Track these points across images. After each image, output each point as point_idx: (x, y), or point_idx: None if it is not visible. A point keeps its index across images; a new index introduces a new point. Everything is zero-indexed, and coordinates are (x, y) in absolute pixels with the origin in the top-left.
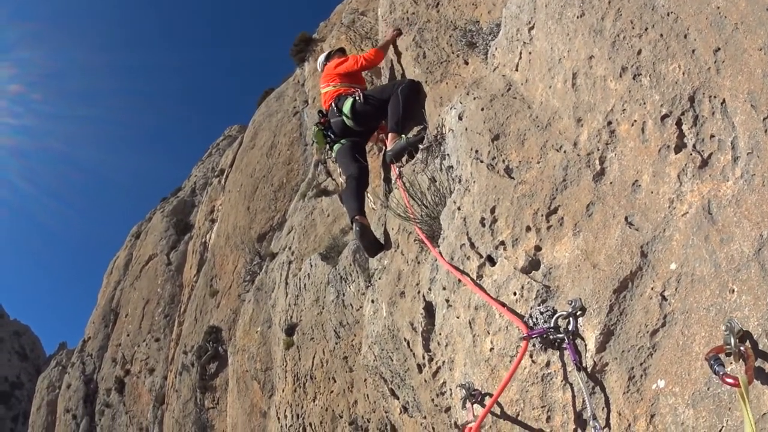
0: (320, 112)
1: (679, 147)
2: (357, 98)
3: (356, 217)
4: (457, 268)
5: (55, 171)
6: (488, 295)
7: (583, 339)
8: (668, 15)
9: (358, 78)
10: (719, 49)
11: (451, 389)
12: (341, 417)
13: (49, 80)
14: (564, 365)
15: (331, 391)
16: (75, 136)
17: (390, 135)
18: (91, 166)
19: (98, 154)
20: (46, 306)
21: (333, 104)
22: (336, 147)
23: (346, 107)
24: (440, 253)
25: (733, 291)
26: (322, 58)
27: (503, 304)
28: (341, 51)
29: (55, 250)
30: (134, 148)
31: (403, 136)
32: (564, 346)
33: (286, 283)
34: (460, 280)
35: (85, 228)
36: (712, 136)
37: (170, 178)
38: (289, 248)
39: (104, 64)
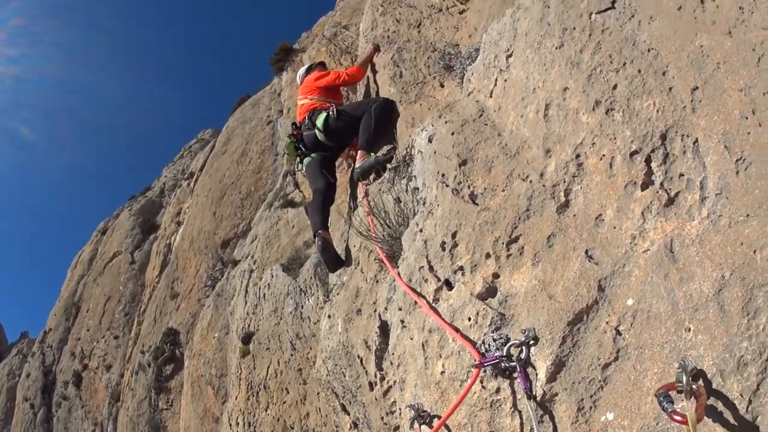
0: (294, 124)
1: (646, 184)
2: (331, 113)
3: (319, 232)
4: (414, 290)
5: (48, 95)
6: (443, 319)
7: (534, 368)
8: (649, 51)
9: (337, 93)
10: (697, 88)
11: (400, 409)
12: (292, 428)
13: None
14: (514, 392)
15: (284, 402)
16: (69, 61)
17: (359, 152)
18: (82, 87)
19: (91, 76)
20: (10, 294)
21: (307, 117)
22: (306, 160)
23: (320, 121)
24: (399, 274)
25: (690, 330)
26: (302, 70)
27: (457, 330)
28: (322, 65)
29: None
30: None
31: (372, 154)
32: (515, 375)
33: (246, 292)
34: (416, 302)
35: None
36: (681, 174)
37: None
38: (252, 257)
39: None
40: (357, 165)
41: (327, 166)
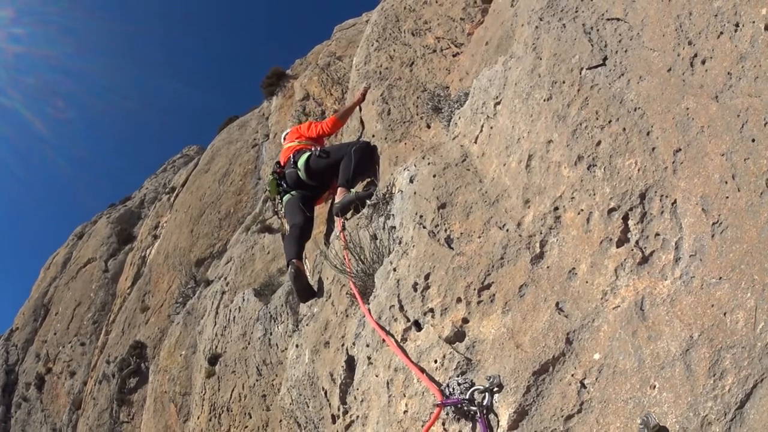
0: (278, 163)
1: (622, 241)
2: (313, 152)
3: (293, 261)
4: (383, 329)
5: (48, 78)
6: (409, 359)
7: (496, 415)
8: (635, 110)
9: (320, 142)
10: (680, 150)
11: None
12: None
13: None
14: None
15: (246, 426)
16: (72, 45)
17: (339, 189)
18: (82, 73)
19: (92, 63)
20: None
21: (291, 157)
22: (286, 197)
23: (301, 161)
24: (369, 311)
25: (654, 387)
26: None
27: (423, 370)
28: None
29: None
30: (126, 58)
31: (352, 190)
32: (477, 418)
33: (216, 313)
34: (384, 340)
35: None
36: (657, 234)
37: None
38: (225, 278)
39: None
40: (337, 200)
41: (306, 203)
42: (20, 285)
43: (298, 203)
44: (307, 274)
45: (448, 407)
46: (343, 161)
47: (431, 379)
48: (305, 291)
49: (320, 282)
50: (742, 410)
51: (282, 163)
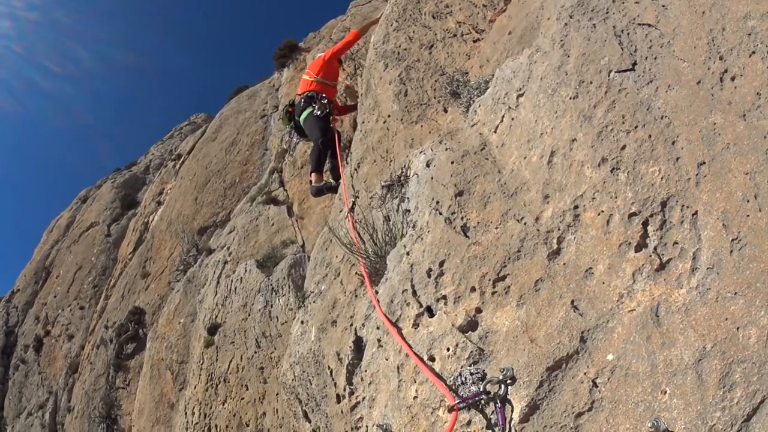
0: (292, 103)
1: (640, 246)
2: (314, 110)
3: (312, 174)
4: (390, 321)
5: (62, 45)
6: (417, 356)
7: (511, 405)
8: (662, 118)
9: (333, 73)
10: (704, 163)
11: (367, 426)
12: (248, 426)
13: None
14: (490, 427)
15: (242, 398)
16: (85, 10)
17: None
18: (94, 39)
19: (105, 29)
20: None
21: (302, 98)
22: (303, 115)
23: (303, 116)
24: (378, 301)
25: (665, 392)
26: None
27: (432, 370)
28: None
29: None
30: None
31: (325, 178)
32: (487, 409)
33: (218, 282)
34: (393, 329)
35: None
36: (676, 243)
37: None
38: (228, 248)
39: None
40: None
41: (324, 119)
42: (22, 247)
43: (315, 120)
44: (324, 179)
45: (462, 406)
46: (312, 148)
47: (438, 376)
48: (321, 194)
49: (329, 261)
50: (749, 423)
51: (293, 101)
